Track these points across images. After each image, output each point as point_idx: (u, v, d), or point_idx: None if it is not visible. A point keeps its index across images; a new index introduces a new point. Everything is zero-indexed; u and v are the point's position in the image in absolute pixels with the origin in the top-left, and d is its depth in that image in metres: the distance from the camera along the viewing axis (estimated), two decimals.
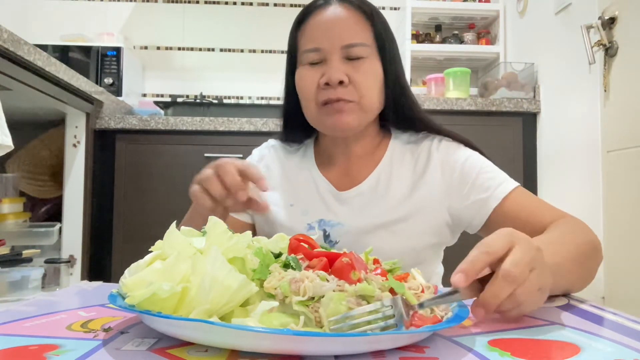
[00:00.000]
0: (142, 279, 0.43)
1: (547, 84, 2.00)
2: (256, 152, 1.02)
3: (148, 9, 2.61)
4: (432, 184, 0.85)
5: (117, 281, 0.48)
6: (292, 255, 0.49)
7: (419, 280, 0.51)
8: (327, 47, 0.81)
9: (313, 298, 0.41)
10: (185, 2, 2.63)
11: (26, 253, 1.50)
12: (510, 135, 2.00)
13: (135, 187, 1.90)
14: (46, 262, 1.62)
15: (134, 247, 1.84)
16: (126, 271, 0.47)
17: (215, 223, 0.47)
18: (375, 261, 0.54)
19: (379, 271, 0.49)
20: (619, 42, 1.51)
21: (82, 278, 1.70)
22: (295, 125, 0.93)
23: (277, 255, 0.50)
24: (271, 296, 0.43)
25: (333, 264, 0.47)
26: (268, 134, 2.00)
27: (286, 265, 0.47)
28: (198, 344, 0.41)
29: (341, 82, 0.80)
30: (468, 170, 0.83)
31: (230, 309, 0.41)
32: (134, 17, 2.60)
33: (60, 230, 1.67)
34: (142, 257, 0.48)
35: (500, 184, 0.80)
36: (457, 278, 0.45)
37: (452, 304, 0.49)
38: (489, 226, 0.81)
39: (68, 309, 0.54)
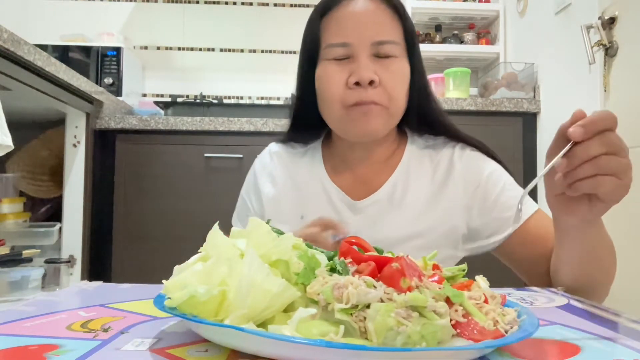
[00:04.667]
0: (181, 280, 0.41)
1: (547, 84, 2.00)
2: (257, 162, 0.94)
3: (148, 9, 2.61)
4: (454, 197, 0.81)
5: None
6: (341, 259, 0.46)
7: (484, 289, 0.45)
8: (357, 42, 0.75)
9: (357, 306, 0.37)
10: (185, 2, 2.63)
11: (26, 253, 1.50)
12: (510, 135, 2.00)
13: (135, 187, 1.89)
14: (46, 262, 1.62)
15: (134, 247, 1.84)
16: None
17: (258, 224, 0.45)
18: (435, 267, 0.48)
19: (435, 278, 0.44)
20: (619, 42, 1.51)
21: (82, 278, 1.70)
22: (305, 124, 0.87)
23: (330, 258, 0.47)
24: (315, 302, 0.40)
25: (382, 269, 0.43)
26: (268, 134, 2.00)
27: (333, 270, 0.44)
28: (198, 344, 0.41)
29: (371, 82, 0.74)
30: (492, 185, 0.80)
31: (270, 314, 0.39)
32: (134, 17, 2.60)
33: (60, 230, 1.67)
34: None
35: (523, 204, 0.77)
36: (577, 130, 0.48)
37: (520, 316, 0.43)
38: (507, 245, 0.79)
39: (68, 309, 0.54)
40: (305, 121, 0.87)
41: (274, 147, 0.94)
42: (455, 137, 0.85)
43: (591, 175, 0.51)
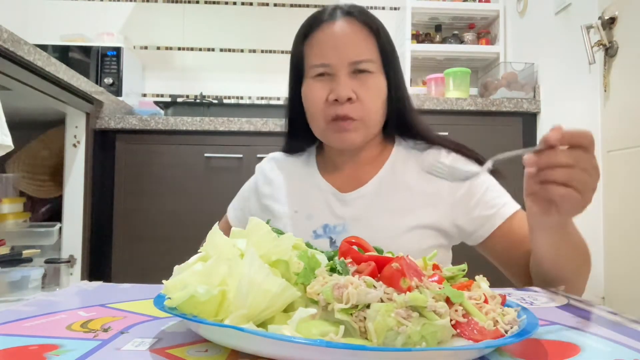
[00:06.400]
0: (181, 280, 0.41)
1: (547, 84, 2.00)
2: (258, 167, 1.03)
3: (148, 9, 2.61)
4: (440, 194, 0.86)
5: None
6: (341, 259, 0.46)
7: (484, 289, 0.45)
8: (336, 63, 0.83)
9: (357, 306, 0.38)
10: (185, 2, 2.63)
11: (26, 253, 1.50)
12: (510, 135, 2.00)
13: (135, 187, 1.89)
14: (46, 262, 1.62)
15: (134, 247, 1.84)
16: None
17: (257, 224, 0.45)
18: (435, 267, 0.48)
19: (435, 278, 0.44)
20: (619, 42, 1.51)
21: (82, 278, 1.70)
22: (299, 133, 0.95)
23: (330, 258, 0.47)
24: (315, 302, 0.40)
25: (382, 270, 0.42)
26: (268, 134, 2.00)
27: (333, 270, 0.44)
28: (198, 344, 0.41)
29: (349, 99, 0.82)
30: (475, 186, 0.85)
31: (270, 315, 0.39)
32: (134, 17, 2.60)
33: (60, 230, 1.67)
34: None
35: (505, 203, 0.84)
36: (553, 133, 0.53)
37: (520, 317, 0.44)
38: (489, 242, 0.85)
39: (68, 309, 0.54)
40: (299, 129, 0.95)
41: (273, 154, 1.03)
42: (436, 141, 0.91)
43: (561, 181, 0.55)
